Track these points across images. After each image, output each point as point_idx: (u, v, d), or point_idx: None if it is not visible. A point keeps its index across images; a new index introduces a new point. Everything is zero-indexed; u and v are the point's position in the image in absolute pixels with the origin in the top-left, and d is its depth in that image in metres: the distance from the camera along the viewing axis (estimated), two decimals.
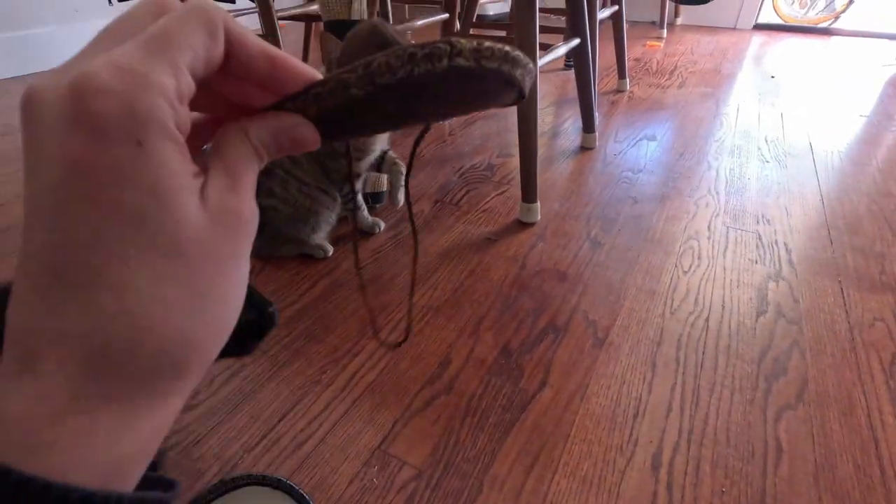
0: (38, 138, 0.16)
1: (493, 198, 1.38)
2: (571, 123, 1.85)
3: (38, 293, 0.16)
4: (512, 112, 1.96)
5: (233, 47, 0.19)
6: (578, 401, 0.81)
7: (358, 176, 1.12)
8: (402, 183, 1.17)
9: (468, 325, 0.95)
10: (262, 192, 1.06)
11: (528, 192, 1.23)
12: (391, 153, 1.17)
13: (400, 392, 0.82)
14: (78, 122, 0.15)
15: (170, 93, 0.16)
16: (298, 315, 0.97)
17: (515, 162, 1.57)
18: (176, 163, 0.17)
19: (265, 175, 1.05)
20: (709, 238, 1.20)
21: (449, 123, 1.84)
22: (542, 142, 1.70)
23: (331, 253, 1.13)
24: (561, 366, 0.87)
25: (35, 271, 0.16)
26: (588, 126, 1.62)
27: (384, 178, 1.27)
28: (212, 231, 0.18)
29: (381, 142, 1.10)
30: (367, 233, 1.21)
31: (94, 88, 0.15)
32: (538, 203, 1.25)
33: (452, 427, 0.77)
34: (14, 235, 1.20)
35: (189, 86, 0.17)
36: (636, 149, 1.65)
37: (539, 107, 1.44)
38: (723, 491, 0.67)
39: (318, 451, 0.73)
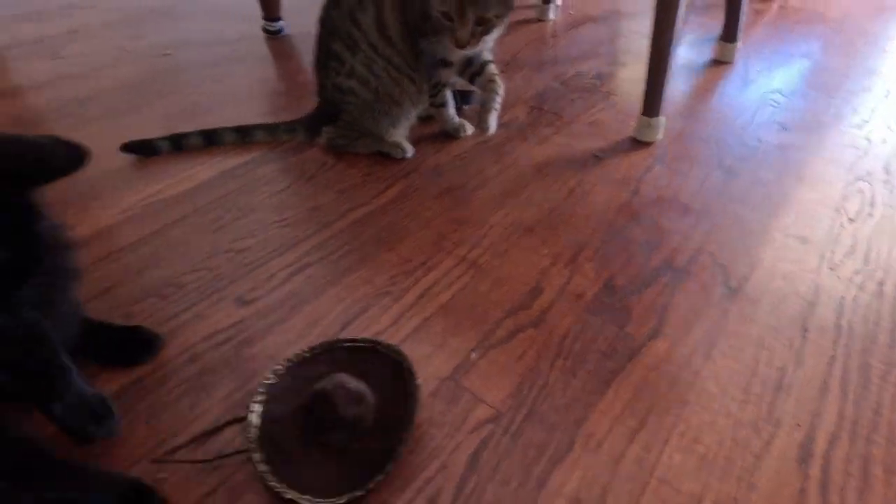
0: None
1: (602, 110, 1.15)
2: (703, 31, 1.52)
3: None
4: (631, 15, 1.64)
5: None
6: (701, 359, 0.64)
7: (449, 65, 0.93)
8: (496, 106, 0.97)
9: (565, 253, 0.79)
10: (343, 69, 0.91)
11: (652, 104, 1.00)
12: (492, 67, 0.97)
13: (478, 318, 0.69)
14: None
15: None
16: (367, 218, 0.85)
17: (629, 72, 1.31)
18: None
19: (349, 50, 0.89)
20: (886, 182, 0.93)
21: (553, 22, 1.57)
22: None
23: (409, 154, 0.99)
24: (679, 314, 0.70)
25: None
26: (730, 34, 1.31)
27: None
28: None
29: (481, 44, 0.90)
30: (452, 136, 1.05)
31: None
32: (662, 118, 1.02)
33: (540, 367, 0.63)
34: (96, 104, 1.15)
35: None
36: (786, 67, 1.33)
37: None
38: None
39: None
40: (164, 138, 0.99)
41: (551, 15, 1.60)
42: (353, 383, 0.56)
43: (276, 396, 0.59)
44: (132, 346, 0.63)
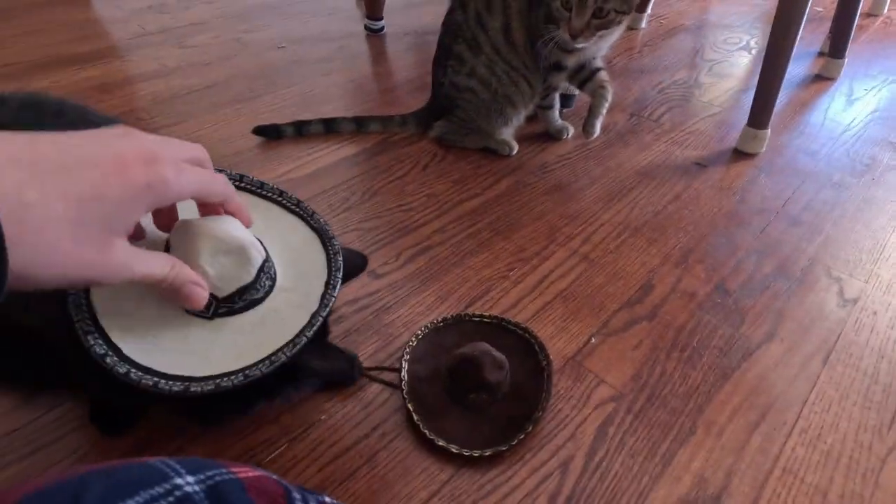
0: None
1: (702, 119, 1.17)
2: (803, 44, 1.50)
3: None
4: (724, 26, 1.64)
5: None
6: (819, 364, 0.66)
7: (563, 69, 0.98)
8: (602, 111, 1.01)
9: (674, 253, 0.82)
10: (463, 69, 0.97)
11: (760, 116, 1.02)
12: (603, 74, 1.01)
13: (595, 307, 0.74)
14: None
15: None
16: (482, 208, 0.91)
17: (731, 83, 1.32)
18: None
19: (471, 51, 0.96)
20: None
21: (645, 31, 1.59)
22: None
23: (515, 151, 1.04)
24: (795, 320, 0.72)
25: None
26: (837, 50, 1.29)
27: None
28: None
29: (595, 49, 0.93)
30: (554, 137, 1.10)
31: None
32: (768, 130, 1.03)
33: (657, 357, 0.67)
34: (217, 91, 1.26)
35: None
36: (894, 85, 1.30)
37: None
38: None
39: None
40: (289, 124, 1.08)
41: (643, 24, 1.62)
42: (496, 352, 0.62)
43: (418, 358, 0.65)
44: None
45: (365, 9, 1.56)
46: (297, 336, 0.43)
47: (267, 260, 0.44)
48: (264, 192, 0.51)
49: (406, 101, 1.20)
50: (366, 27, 1.58)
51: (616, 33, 0.93)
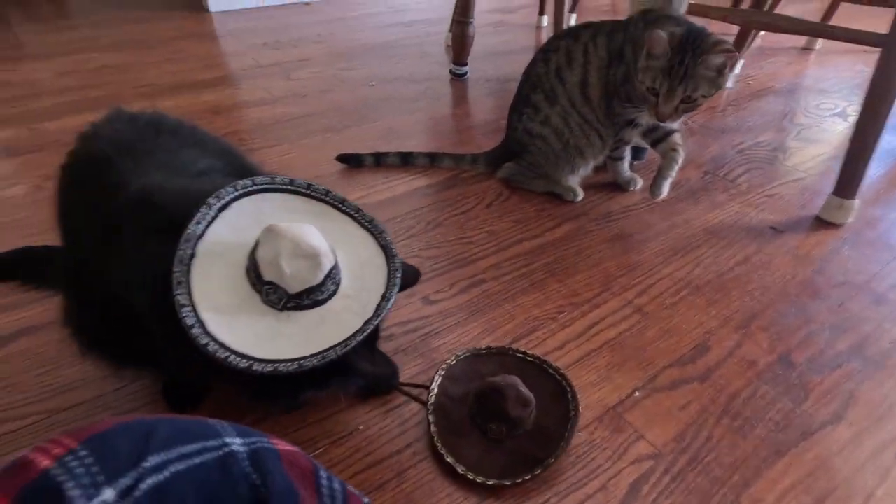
0: None
1: (784, 183, 1.12)
2: None
3: None
4: (818, 91, 1.57)
5: None
6: (892, 457, 0.60)
7: (636, 126, 0.99)
8: (672, 174, 0.99)
9: (735, 317, 0.79)
10: (537, 117, 1.02)
11: (848, 185, 0.96)
12: (677, 137, 1.00)
13: (643, 360, 0.72)
14: None
15: None
16: (539, 249, 0.93)
17: (820, 149, 1.26)
18: None
19: (548, 101, 1.00)
20: None
21: (731, 91, 1.56)
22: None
23: (580, 198, 1.06)
24: (868, 404, 0.66)
25: None
26: None
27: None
28: None
29: (673, 116, 0.93)
30: (622, 187, 1.10)
31: None
32: (857, 201, 0.97)
33: (704, 421, 0.64)
34: (311, 120, 1.40)
35: None
36: None
37: None
38: None
39: None
40: (369, 154, 1.17)
41: (730, 84, 1.59)
42: (524, 388, 0.63)
43: (453, 377, 0.67)
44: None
45: (452, 54, 1.67)
46: (350, 338, 0.48)
47: (335, 267, 0.50)
48: (344, 208, 0.58)
49: (479, 142, 1.26)
50: (451, 72, 1.69)
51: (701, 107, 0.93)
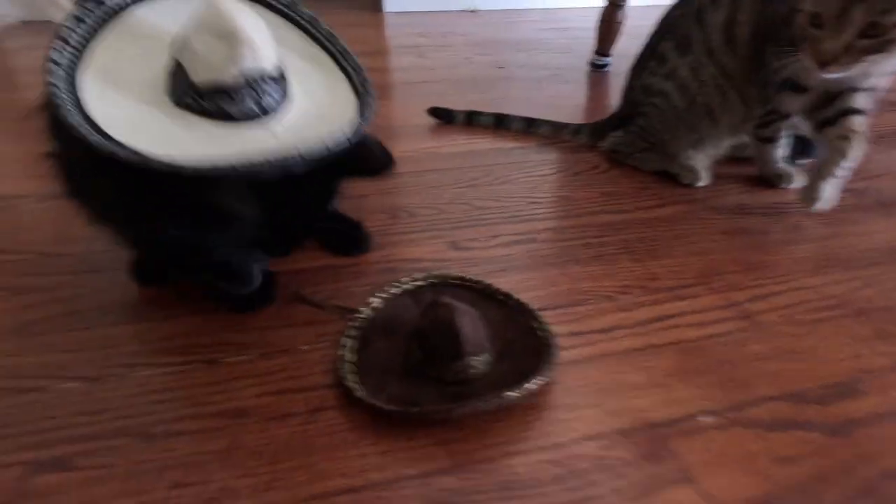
0: None
1: None
2: None
3: None
4: None
5: None
6: None
7: (801, 91, 0.71)
8: (838, 173, 0.68)
9: None
10: (661, 70, 0.80)
11: None
12: (858, 120, 0.67)
13: (732, 379, 0.46)
14: None
15: None
16: (622, 224, 0.70)
17: None
18: None
19: (678, 50, 0.78)
20: None
21: None
22: None
23: (702, 182, 0.80)
24: None
25: None
26: None
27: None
28: None
29: (859, 77, 0.63)
30: (770, 182, 0.81)
31: None
32: None
33: (820, 493, 0.37)
34: (432, 87, 1.35)
35: None
36: None
37: None
38: None
39: (564, 370, 0.47)
40: (462, 111, 1.06)
41: None
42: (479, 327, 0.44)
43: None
44: (347, 238, 0.65)
45: (595, 42, 1.50)
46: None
47: (267, 83, 0.37)
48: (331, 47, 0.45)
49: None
50: (592, 63, 1.51)
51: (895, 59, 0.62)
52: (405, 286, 0.55)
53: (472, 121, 1.05)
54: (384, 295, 0.54)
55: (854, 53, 0.58)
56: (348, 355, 0.47)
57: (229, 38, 0.35)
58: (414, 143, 0.97)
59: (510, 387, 0.41)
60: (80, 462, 0.39)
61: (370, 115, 0.43)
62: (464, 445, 0.40)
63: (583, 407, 0.44)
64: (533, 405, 0.44)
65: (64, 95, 0.35)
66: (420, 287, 0.56)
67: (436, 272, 0.57)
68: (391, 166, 0.50)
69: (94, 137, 0.34)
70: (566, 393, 0.45)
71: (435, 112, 1.08)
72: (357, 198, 0.76)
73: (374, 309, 0.52)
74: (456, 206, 0.75)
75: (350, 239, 0.64)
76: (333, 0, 2.70)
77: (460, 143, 0.98)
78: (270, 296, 0.55)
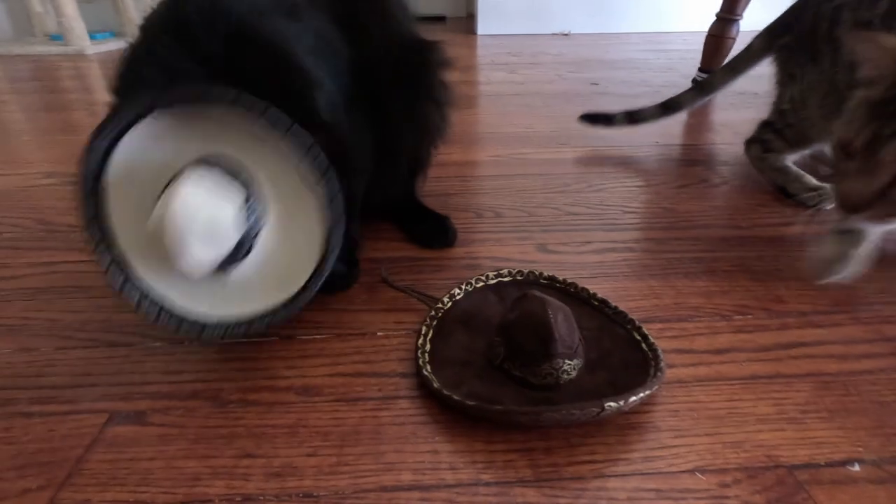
0: None
1: None
2: None
3: None
4: None
5: None
6: None
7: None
8: (862, 250, 0.51)
9: None
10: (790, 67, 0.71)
11: None
12: None
13: (887, 425, 0.37)
14: None
15: None
16: (737, 241, 0.62)
17: None
18: None
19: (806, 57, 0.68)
20: None
21: None
22: None
23: (827, 207, 0.69)
24: None
25: None
26: None
27: None
28: None
29: (871, 208, 0.44)
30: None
31: None
32: None
33: None
34: (515, 98, 1.33)
35: None
36: None
37: None
38: None
39: (668, 389, 0.40)
40: (620, 112, 0.95)
41: None
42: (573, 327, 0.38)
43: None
44: (432, 231, 0.62)
45: (701, 58, 1.40)
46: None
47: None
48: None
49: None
50: (694, 80, 1.41)
51: None
52: (490, 281, 0.51)
53: (634, 119, 0.95)
54: (467, 287, 0.50)
55: (890, 204, 0.43)
56: (427, 345, 0.43)
57: (171, 245, 0.36)
58: (502, 149, 0.94)
59: (608, 399, 0.36)
60: (156, 418, 0.39)
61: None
62: (550, 457, 0.35)
63: (694, 434, 0.37)
64: (633, 424, 0.38)
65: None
66: (505, 283, 0.52)
67: (524, 270, 0.53)
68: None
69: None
70: (672, 415, 0.39)
71: (591, 118, 0.99)
72: (443, 195, 0.74)
73: (455, 301, 0.49)
74: (545, 210, 0.71)
75: (435, 232, 0.62)
76: (432, 23, 2.81)
77: (550, 150, 0.93)
78: (351, 279, 0.53)
